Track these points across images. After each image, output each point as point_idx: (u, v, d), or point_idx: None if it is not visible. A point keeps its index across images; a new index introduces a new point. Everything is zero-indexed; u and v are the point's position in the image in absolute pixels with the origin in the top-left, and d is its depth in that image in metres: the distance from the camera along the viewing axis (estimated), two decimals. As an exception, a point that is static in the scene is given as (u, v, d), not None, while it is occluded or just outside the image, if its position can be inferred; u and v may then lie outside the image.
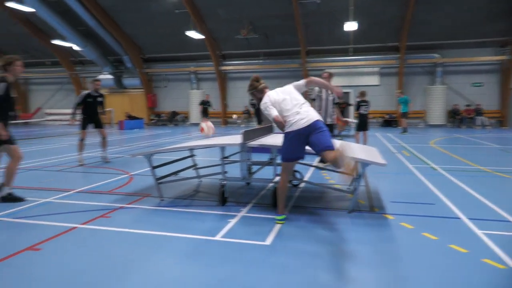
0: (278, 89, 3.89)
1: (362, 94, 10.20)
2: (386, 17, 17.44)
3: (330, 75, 7.15)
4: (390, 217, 3.97)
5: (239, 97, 22.12)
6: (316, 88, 7.14)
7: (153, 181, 4.62)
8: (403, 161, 7.88)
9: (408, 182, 5.79)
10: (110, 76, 22.71)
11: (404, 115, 15.73)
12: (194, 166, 5.60)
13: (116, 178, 6.05)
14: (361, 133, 9.83)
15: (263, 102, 3.83)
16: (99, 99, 7.87)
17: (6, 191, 4.48)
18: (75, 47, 20.51)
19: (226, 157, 4.80)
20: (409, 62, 19.08)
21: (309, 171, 6.51)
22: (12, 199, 4.47)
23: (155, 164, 4.70)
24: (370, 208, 4.33)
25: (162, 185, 4.71)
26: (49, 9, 17.69)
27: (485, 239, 3.28)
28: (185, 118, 23.03)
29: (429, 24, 17.61)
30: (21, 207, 4.28)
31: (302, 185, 5.44)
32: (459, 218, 3.92)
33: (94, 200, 4.60)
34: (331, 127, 7.10)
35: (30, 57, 24.09)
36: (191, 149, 5.48)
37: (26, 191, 5.10)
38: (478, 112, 18.36)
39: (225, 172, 4.56)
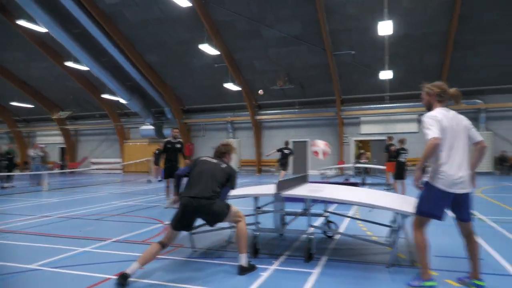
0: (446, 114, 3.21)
1: (402, 141, 9.97)
2: (423, 64, 17.43)
3: None
4: (433, 273, 3.69)
5: (274, 146, 22.26)
6: None
7: (187, 232, 4.65)
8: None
9: (453, 234, 5.37)
10: (151, 127, 23.91)
11: None
12: (228, 216, 5.58)
13: (151, 227, 6.14)
14: (399, 182, 9.48)
15: (432, 114, 3.23)
16: (178, 145, 8.37)
17: (244, 259, 3.72)
18: (122, 100, 21.99)
19: (259, 207, 4.77)
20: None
21: (344, 221, 6.28)
22: (249, 268, 3.73)
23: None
24: (411, 262, 4.05)
25: (195, 235, 4.72)
26: (101, 67, 19.33)
27: (545, 303, 2.94)
28: (222, 166, 23.39)
29: (470, 70, 17.35)
30: (61, 256, 4.42)
31: (338, 236, 5.24)
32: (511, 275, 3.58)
33: (129, 250, 4.67)
34: None
35: (82, 110, 26.10)
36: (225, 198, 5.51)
37: (67, 240, 5.29)
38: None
39: (258, 223, 4.51)
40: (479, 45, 16.06)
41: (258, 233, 4.33)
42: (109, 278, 3.60)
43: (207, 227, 4.97)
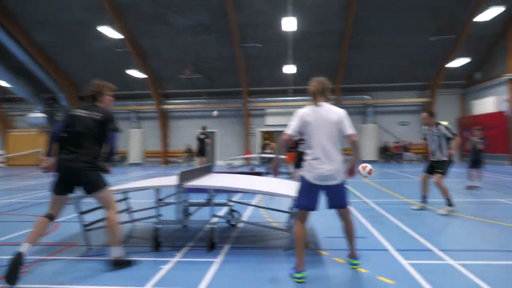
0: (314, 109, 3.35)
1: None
2: (322, 61, 18.73)
3: (431, 115, 6.44)
4: (324, 252, 4.06)
5: (181, 136, 21.96)
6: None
7: (80, 228, 4.31)
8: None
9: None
10: (42, 115, 21.41)
11: None
12: (127, 210, 5.33)
13: (40, 225, 5.53)
14: (298, 171, 10.12)
15: (299, 111, 3.39)
16: None
17: (117, 252, 3.55)
18: (4, 84, 19.22)
19: (161, 199, 4.65)
20: (344, 102, 20.43)
21: (248, 210, 6.50)
22: (124, 262, 3.58)
23: (83, 209, 4.41)
24: (305, 245, 4.38)
25: (91, 232, 4.40)
26: (-26, 44, 16.61)
27: (410, 269, 3.46)
28: (123, 158, 22.18)
29: (361, 68, 19.22)
30: None
31: (241, 225, 5.40)
32: (387, 250, 4.11)
33: (10, 253, 4.14)
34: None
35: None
36: (125, 192, 5.24)
37: None
38: (406, 148, 19.93)
39: (160, 215, 4.40)
40: (369, 46, 17.89)
41: (160, 226, 4.22)
42: (-18, 287, 3.16)
43: (104, 223, 4.69)
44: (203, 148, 14.38)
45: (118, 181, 12.25)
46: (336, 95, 19.88)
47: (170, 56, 18.98)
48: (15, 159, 22.30)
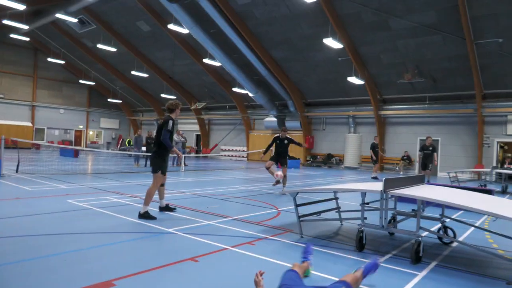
0: None
1: None
2: None
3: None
4: None
5: (398, 143, 21.09)
6: None
7: (296, 219, 5.00)
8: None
9: None
10: (274, 119, 25.12)
11: None
12: (337, 209, 5.74)
13: (266, 211, 6.70)
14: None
15: None
16: (285, 141, 9.66)
17: (145, 209, 5.58)
18: (249, 94, 23.67)
19: (367, 203, 4.80)
20: None
21: (467, 230, 5.76)
22: (147, 216, 5.52)
23: (300, 202, 5.09)
24: (541, 284, 3.58)
25: (304, 223, 5.03)
26: (232, 63, 21.18)
27: None
28: (340, 161, 23.17)
29: None
30: (191, 225, 5.28)
31: (454, 244, 4.89)
32: None
33: (245, 228, 5.26)
34: None
35: (215, 101, 28.98)
36: (335, 191, 5.68)
37: (196, 213, 6.22)
38: None
39: (365, 218, 4.57)
40: None
41: (363, 228, 4.39)
42: (226, 248, 4.20)
43: (315, 217, 5.24)
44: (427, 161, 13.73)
45: (331, 182, 13.05)
46: None
47: (389, 61, 18.57)
48: (253, 155, 26.98)
